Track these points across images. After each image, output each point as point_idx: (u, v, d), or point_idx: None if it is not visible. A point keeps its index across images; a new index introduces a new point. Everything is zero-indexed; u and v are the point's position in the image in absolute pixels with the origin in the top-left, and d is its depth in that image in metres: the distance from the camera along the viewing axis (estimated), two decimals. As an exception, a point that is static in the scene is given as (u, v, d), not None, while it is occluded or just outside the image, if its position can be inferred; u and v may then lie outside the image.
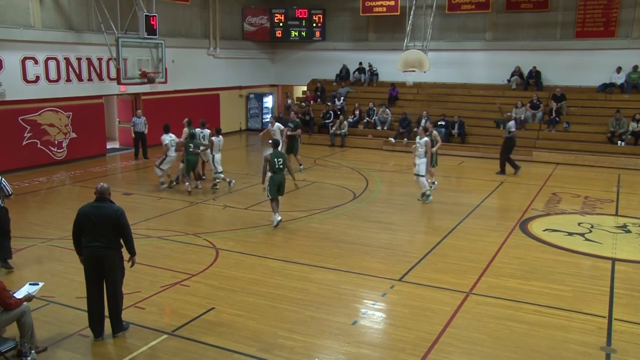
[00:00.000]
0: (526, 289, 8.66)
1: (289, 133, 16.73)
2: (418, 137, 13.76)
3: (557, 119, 21.07)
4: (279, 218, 11.74)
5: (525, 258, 10.09)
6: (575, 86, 22.51)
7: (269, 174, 11.79)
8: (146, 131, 19.27)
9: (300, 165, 17.22)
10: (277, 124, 17.06)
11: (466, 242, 10.97)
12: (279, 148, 16.31)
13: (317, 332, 7.26)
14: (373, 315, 7.85)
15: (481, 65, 24.14)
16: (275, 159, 11.73)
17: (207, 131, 15.23)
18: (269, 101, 27.86)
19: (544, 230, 11.63)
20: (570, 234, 11.45)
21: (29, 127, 17.29)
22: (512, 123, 17.41)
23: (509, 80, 23.49)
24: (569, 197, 14.56)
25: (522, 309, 7.92)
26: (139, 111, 19.59)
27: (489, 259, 10.00)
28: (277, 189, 11.77)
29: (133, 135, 19.46)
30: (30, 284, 6.92)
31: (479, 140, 21.38)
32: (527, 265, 9.73)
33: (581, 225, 12.07)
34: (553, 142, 20.44)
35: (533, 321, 7.57)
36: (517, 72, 23.26)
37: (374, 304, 8.16)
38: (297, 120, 17.95)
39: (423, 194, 13.91)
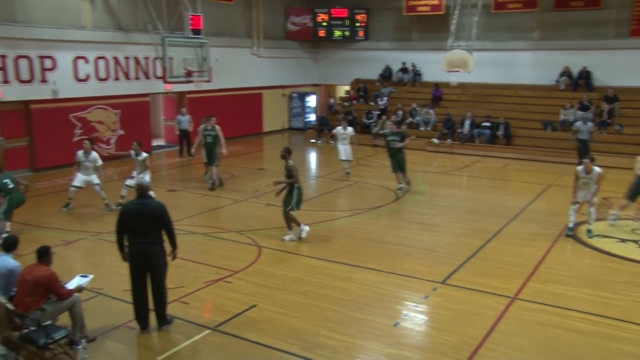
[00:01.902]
0: (574, 296, 8.42)
1: (397, 146, 14.61)
2: (583, 170, 11.19)
3: (609, 120, 20.41)
4: (307, 228, 10.92)
5: (573, 264, 9.82)
6: (629, 87, 21.67)
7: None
8: (190, 129, 19.55)
9: (401, 183, 14.85)
10: (349, 128, 16.78)
11: (511, 246, 10.75)
12: (348, 155, 16.48)
13: (358, 332, 7.23)
14: (415, 317, 7.77)
15: (528, 65, 23.60)
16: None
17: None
18: (311, 100, 27.93)
19: (595, 236, 11.28)
20: (623, 240, 11.05)
21: (79, 124, 17.80)
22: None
23: (557, 81, 22.89)
24: (621, 203, 14.06)
25: (570, 317, 7.70)
26: (184, 109, 19.91)
27: (535, 264, 9.76)
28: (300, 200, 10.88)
29: (177, 133, 19.80)
30: (80, 276, 7.15)
31: (525, 142, 20.92)
32: (576, 271, 9.47)
33: (635, 232, 11.63)
34: (605, 144, 19.71)
35: (581, 330, 7.35)
36: (566, 73, 22.64)
37: (416, 306, 8.08)
38: (401, 130, 15.59)
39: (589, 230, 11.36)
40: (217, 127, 15.06)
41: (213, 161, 14.96)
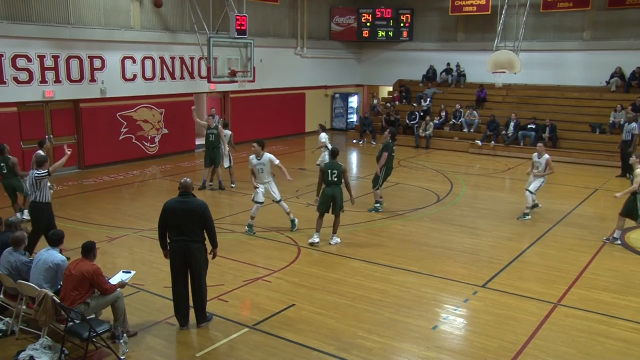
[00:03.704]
0: (622, 304, 8.16)
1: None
2: (536, 155, 12.54)
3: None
4: (317, 240, 10.53)
5: (621, 271, 9.50)
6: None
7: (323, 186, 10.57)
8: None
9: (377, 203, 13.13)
10: (323, 133, 15.93)
11: (555, 250, 10.49)
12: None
13: (396, 334, 7.18)
14: (454, 320, 7.67)
15: (577, 66, 22.97)
16: (330, 170, 10.42)
17: (228, 132, 15.14)
18: (354, 101, 27.89)
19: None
20: (673, 247, 10.65)
21: (125, 123, 18.23)
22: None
23: (607, 82, 22.19)
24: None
25: (616, 325, 7.47)
26: (213, 110, 19.88)
27: (580, 269, 9.50)
28: (326, 205, 10.49)
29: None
30: (123, 272, 7.33)
31: (571, 145, 20.39)
32: (624, 278, 9.15)
33: (686, 238, 11.20)
34: (655, 148, 19.10)
35: (629, 339, 7.11)
36: (618, 73, 21.91)
37: (455, 310, 7.97)
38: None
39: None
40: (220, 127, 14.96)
41: (217, 162, 14.76)
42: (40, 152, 10.52)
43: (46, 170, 9.07)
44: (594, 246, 10.69)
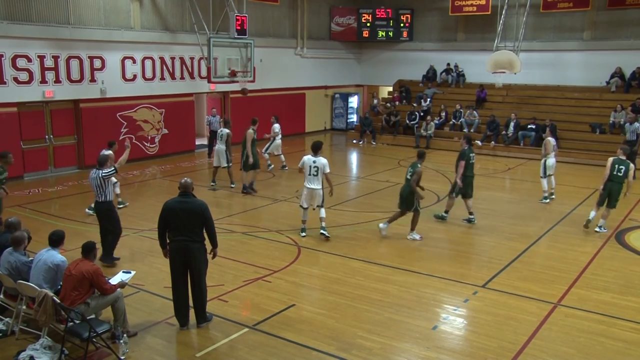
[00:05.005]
0: (622, 304, 8.15)
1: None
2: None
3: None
4: (384, 226, 11.11)
5: (621, 271, 9.49)
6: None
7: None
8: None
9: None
10: (276, 124, 17.17)
11: (555, 250, 10.49)
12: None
13: (396, 334, 7.18)
14: (454, 321, 7.66)
15: (577, 66, 22.98)
16: (409, 168, 10.99)
17: (225, 130, 14.93)
18: (354, 101, 27.89)
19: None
20: (673, 247, 10.66)
21: (125, 123, 18.22)
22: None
23: (607, 82, 22.20)
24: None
25: (616, 325, 7.46)
26: (214, 110, 19.82)
27: (580, 269, 9.50)
28: (400, 201, 11.07)
29: (208, 134, 19.86)
30: (123, 272, 7.34)
31: (572, 145, 20.38)
32: (624, 279, 9.15)
33: (686, 238, 11.20)
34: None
35: (629, 339, 7.11)
36: (618, 74, 21.91)
37: (455, 310, 7.97)
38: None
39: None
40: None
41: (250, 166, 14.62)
42: (107, 151, 11.05)
43: (113, 168, 9.29)
44: (594, 246, 10.70)
